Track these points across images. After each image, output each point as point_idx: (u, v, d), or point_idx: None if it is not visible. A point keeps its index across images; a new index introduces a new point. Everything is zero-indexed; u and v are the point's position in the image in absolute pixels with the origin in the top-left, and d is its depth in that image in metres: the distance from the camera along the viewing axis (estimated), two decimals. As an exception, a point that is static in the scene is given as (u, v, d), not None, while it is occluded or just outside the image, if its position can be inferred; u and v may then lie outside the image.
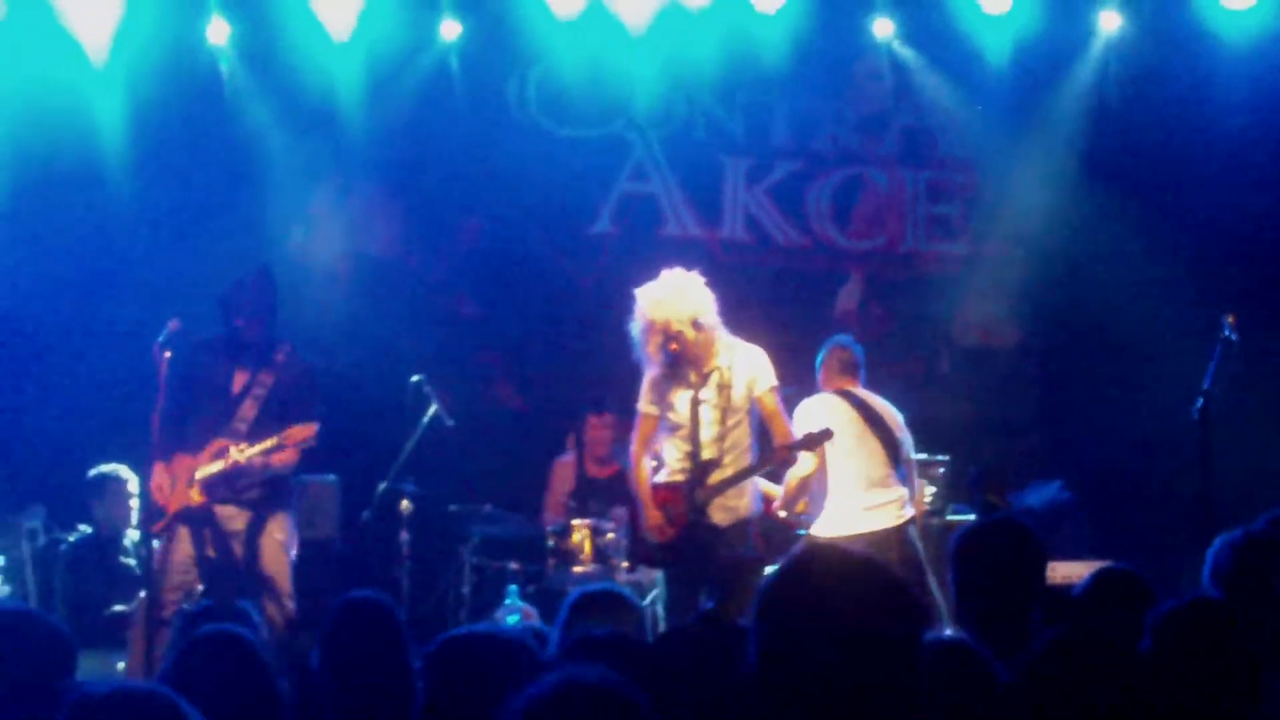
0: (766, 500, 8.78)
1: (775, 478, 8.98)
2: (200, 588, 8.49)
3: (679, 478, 8.40)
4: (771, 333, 9.48)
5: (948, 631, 5.39)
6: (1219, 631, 4.01)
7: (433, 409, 10.00)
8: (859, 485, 8.83)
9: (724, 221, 12.59)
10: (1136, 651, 3.86)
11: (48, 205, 11.39)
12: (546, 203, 12.29)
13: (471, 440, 10.99)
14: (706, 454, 8.33)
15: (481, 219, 12.37)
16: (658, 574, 8.93)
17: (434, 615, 10.24)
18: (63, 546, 9.87)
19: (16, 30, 11.20)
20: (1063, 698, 3.50)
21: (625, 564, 9.53)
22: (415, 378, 10.05)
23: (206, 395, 8.64)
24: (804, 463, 8.68)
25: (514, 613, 9.41)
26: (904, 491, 8.93)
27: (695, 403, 8.35)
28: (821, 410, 8.86)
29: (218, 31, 11.54)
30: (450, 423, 10.06)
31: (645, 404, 8.55)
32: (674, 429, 8.44)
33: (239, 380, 8.68)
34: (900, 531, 8.81)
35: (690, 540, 8.31)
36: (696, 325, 8.29)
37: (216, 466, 8.47)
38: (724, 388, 8.32)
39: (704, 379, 8.37)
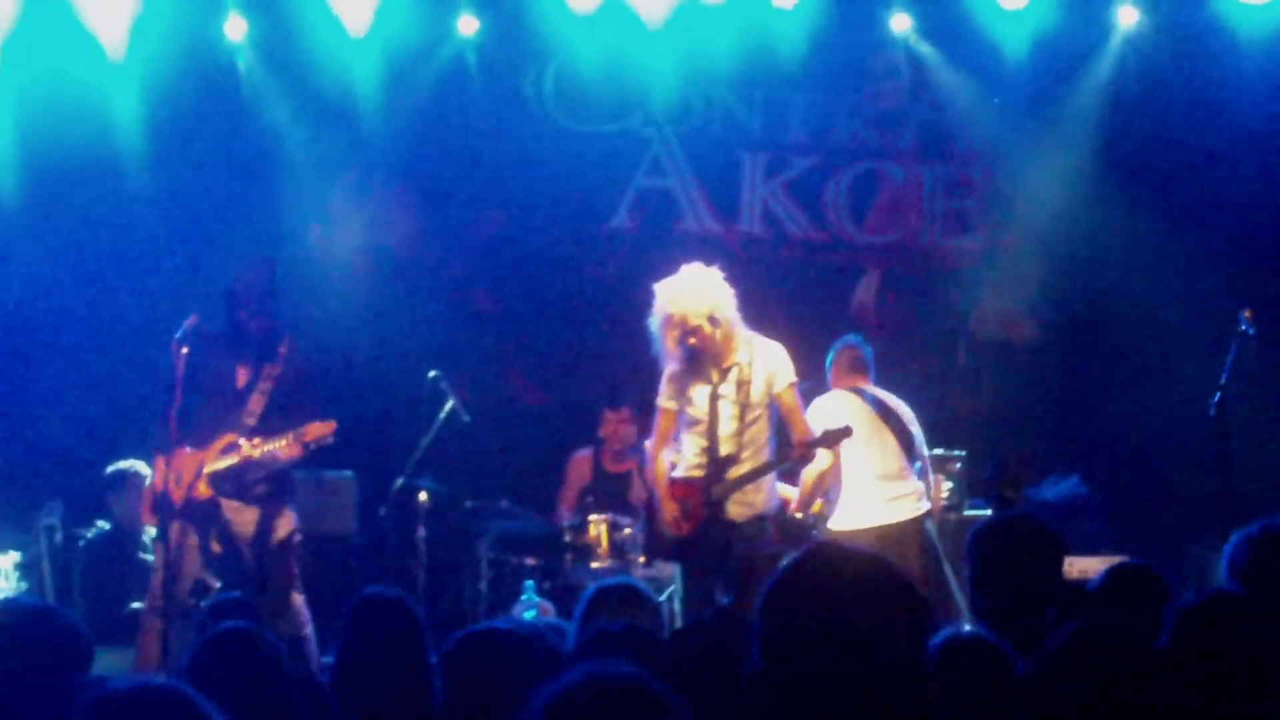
0: (784, 501, 8.79)
1: (789, 477, 8.98)
2: (218, 585, 8.50)
3: (696, 473, 8.39)
4: (789, 327, 9.46)
5: (966, 626, 5.38)
6: (1237, 627, 3.99)
7: (449, 404, 10.01)
8: (875, 479, 8.85)
9: (741, 216, 12.55)
10: (1154, 646, 3.85)
11: (65, 202, 11.44)
12: (564, 198, 12.26)
13: (488, 435, 11.01)
14: (724, 449, 8.32)
15: (499, 214, 12.35)
16: (674, 569, 8.93)
17: (451, 611, 10.23)
18: (80, 543, 9.90)
19: (34, 26, 11.22)
20: (1081, 691, 3.50)
21: (642, 559, 9.52)
22: (432, 373, 10.06)
23: (212, 390, 8.56)
24: (820, 460, 8.69)
25: (531, 608, 9.39)
26: (920, 485, 8.96)
27: (714, 398, 8.34)
28: (835, 407, 8.86)
29: (235, 27, 11.57)
30: (467, 418, 10.07)
31: (664, 399, 8.54)
32: (692, 424, 8.43)
33: (243, 375, 8.61)
34: (918, 523, 8.84)
35: (706, 535, 8.31)
36: (715, 320, 8.27)
37: (227, 461, 8.42)
38: (743, 383, 8.31)
39: (723, 374, 8.36)
